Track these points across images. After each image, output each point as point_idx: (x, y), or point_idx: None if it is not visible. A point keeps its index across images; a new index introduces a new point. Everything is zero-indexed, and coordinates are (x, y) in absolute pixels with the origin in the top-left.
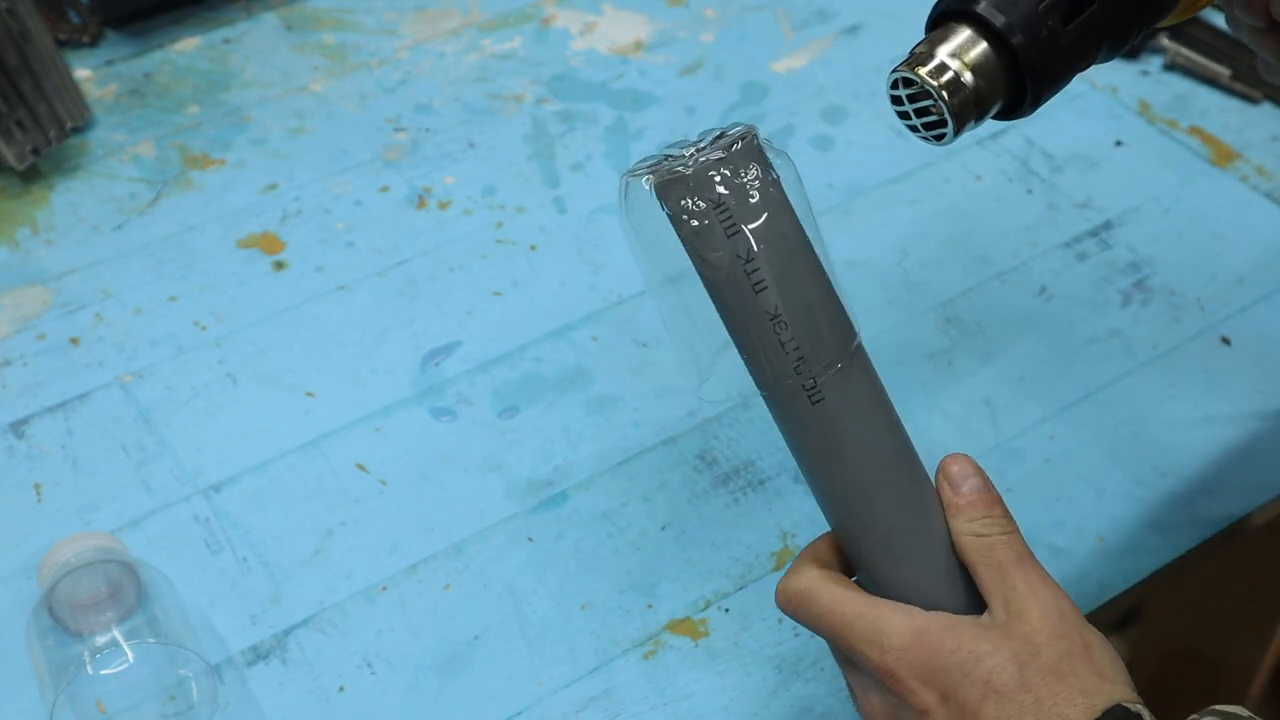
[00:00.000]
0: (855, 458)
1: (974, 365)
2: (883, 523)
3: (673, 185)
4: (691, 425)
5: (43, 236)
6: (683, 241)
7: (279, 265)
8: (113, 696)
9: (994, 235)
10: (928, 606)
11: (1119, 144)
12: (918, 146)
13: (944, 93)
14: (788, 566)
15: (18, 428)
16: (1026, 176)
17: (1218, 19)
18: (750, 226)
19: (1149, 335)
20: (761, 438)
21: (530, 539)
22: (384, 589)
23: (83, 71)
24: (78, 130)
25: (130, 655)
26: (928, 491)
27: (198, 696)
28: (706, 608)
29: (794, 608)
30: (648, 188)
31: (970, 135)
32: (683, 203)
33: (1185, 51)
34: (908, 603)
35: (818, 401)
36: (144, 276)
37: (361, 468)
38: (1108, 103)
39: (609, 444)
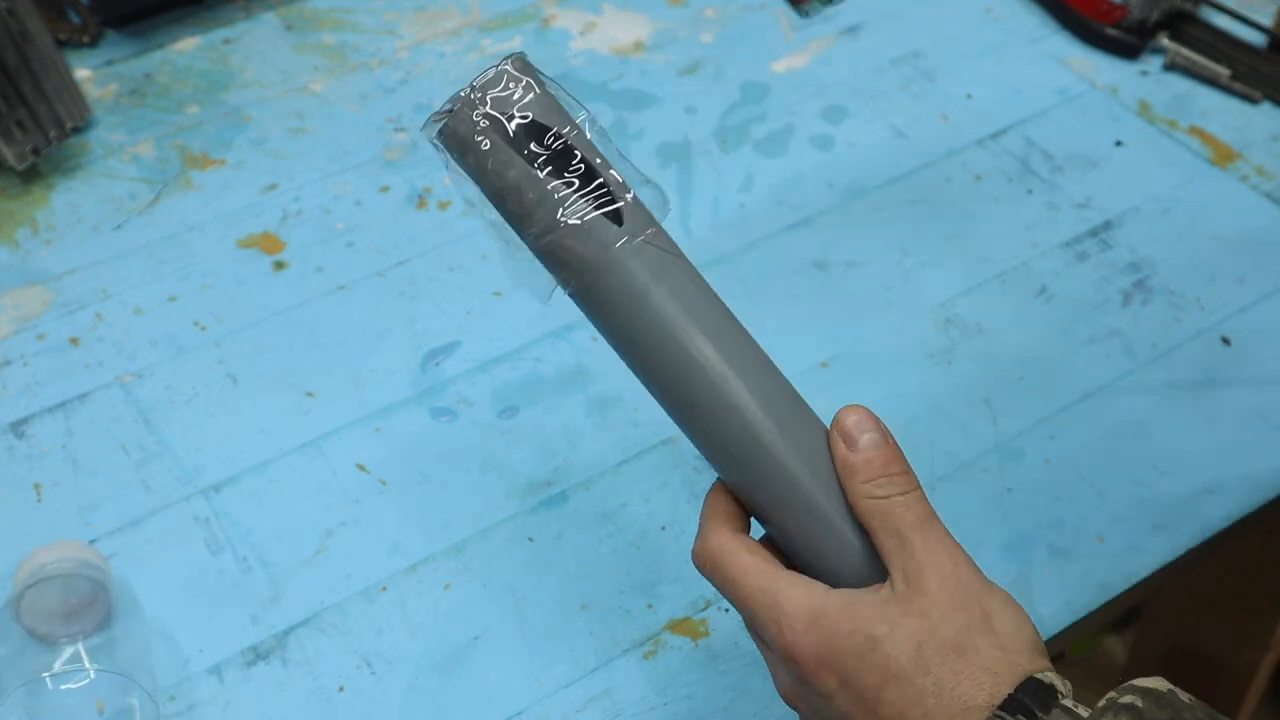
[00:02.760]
0: (685, 346)
1: (974, 365)
2: (759, 464)
3: (439, 122)
4: None
5: (43, 236)
6: (460, 161)
7: (279, 265)
8: (60, 710)
9: (994, 235)
10: (828, 572)
11: (1119, 144)
12: (918, 146)
13: None
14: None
15: (18, 428)
16: (1026, 176)
17: (1218, 19)
18: (513, 112)
19: (1149, 335)
20: None
21: (530, 539)
22: (384, 589)
23: (83, 71)
24: (78, 130)
25: (90, 672)
26: (814, 435)
27: None
28: (706, 608)
29: (708, 572)
30: (432, 138)
31: (970, 135)
32: (452, 130)
33: (1185, 51)
34: (809, 565)
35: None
36: (144, 276)
37: (361, 468)
38: (1108, 103)
39: (609, 444)
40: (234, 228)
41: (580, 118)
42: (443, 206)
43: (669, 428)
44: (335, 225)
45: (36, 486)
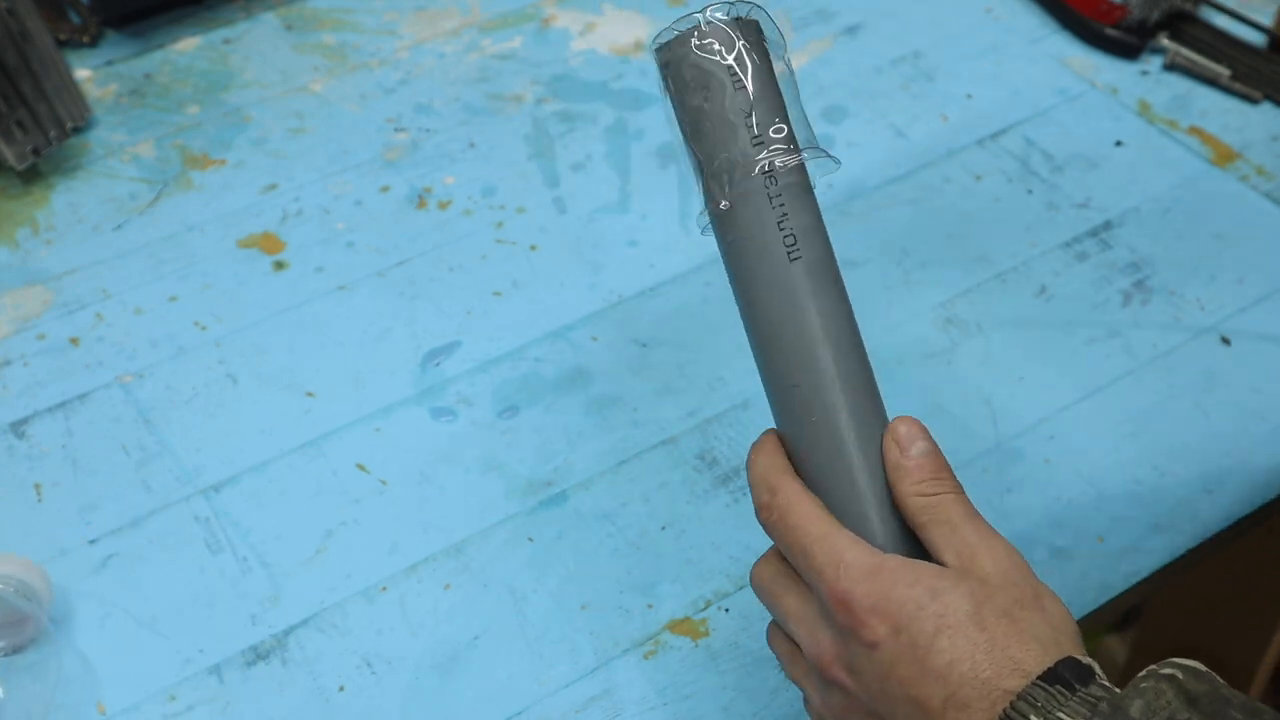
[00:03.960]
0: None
1: (974, 365)
2: (833, 427)
3: (669, 45)
4: (691, 425)
5: (43, 236)
6: (673, 77)
7: (279, 265)
8: None
9: (994, 235)
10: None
11: (1119, 144)
12: (918, 146)
13: None
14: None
15: (18, 428)
16: (1026, 176)
17: (1218, 19)
18: (730, 56)
19: (1149, 335)
20: None
21: (530, 539)
22: (384, 589)
23: (83, 71)
24: (78, 130)
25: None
26: (878, 422)
27: None
28: (706, 608)
29: (776, 517)
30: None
31: (970, 135)
32: (680, 52)
33: (1185, 51)
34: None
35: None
36: (144, 276)
37: (361, 468)
38: (1108, 103)
39: (609, 444)
40: (234, 228)
41: (783, 66)
42: (443, 206)
43: (669, 427)
44: (335, 225)
45: (36, 486)
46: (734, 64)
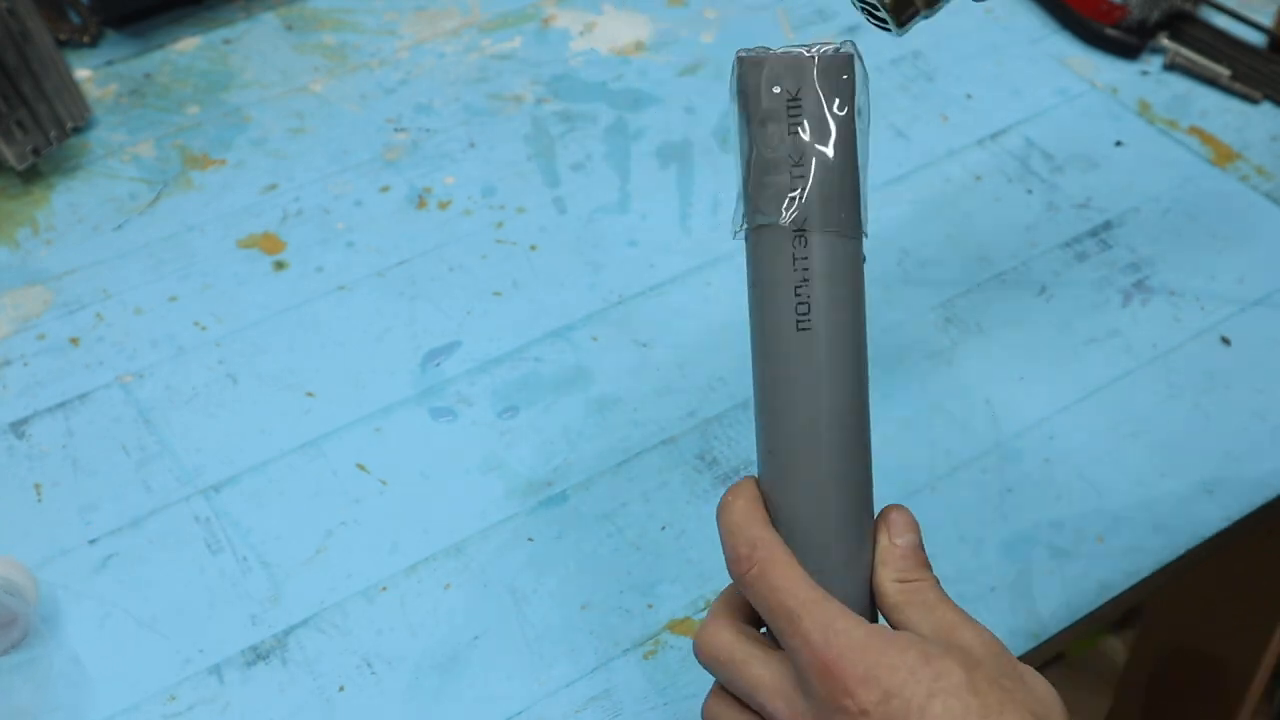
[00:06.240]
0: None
1: (974, 365)
2: (822, 499)
3: (754, 64)
4: (691, 425)
5: (43, 236)
6: (744, 93)
7: (279, 265)
8: None
9: (994, 235)
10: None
11: (1119, 144)
12: (918, 146)
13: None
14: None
15: (18, 428)
16: (1026, 176)
17: (1218, 19)
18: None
19: (1149, 335)
20: None
21: (530, 539)
22: (384, 589)
23: (83, 71)
24: (78, 130)
25: None
26: (866, 502)
27: None
28: (706, 608)
29: (757, 573)
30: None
31: (970, 135)
32: (759, 76)
33: (1185, 51)
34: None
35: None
36: (144, 276)
37: (361, 468)
38: (1108, 103)
39: (609, 444)
40: (234, 228)
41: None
42: (443, 206)
43: (669, 428)
44: (335, 225)
45: (36, 486)
46: (826, 114)
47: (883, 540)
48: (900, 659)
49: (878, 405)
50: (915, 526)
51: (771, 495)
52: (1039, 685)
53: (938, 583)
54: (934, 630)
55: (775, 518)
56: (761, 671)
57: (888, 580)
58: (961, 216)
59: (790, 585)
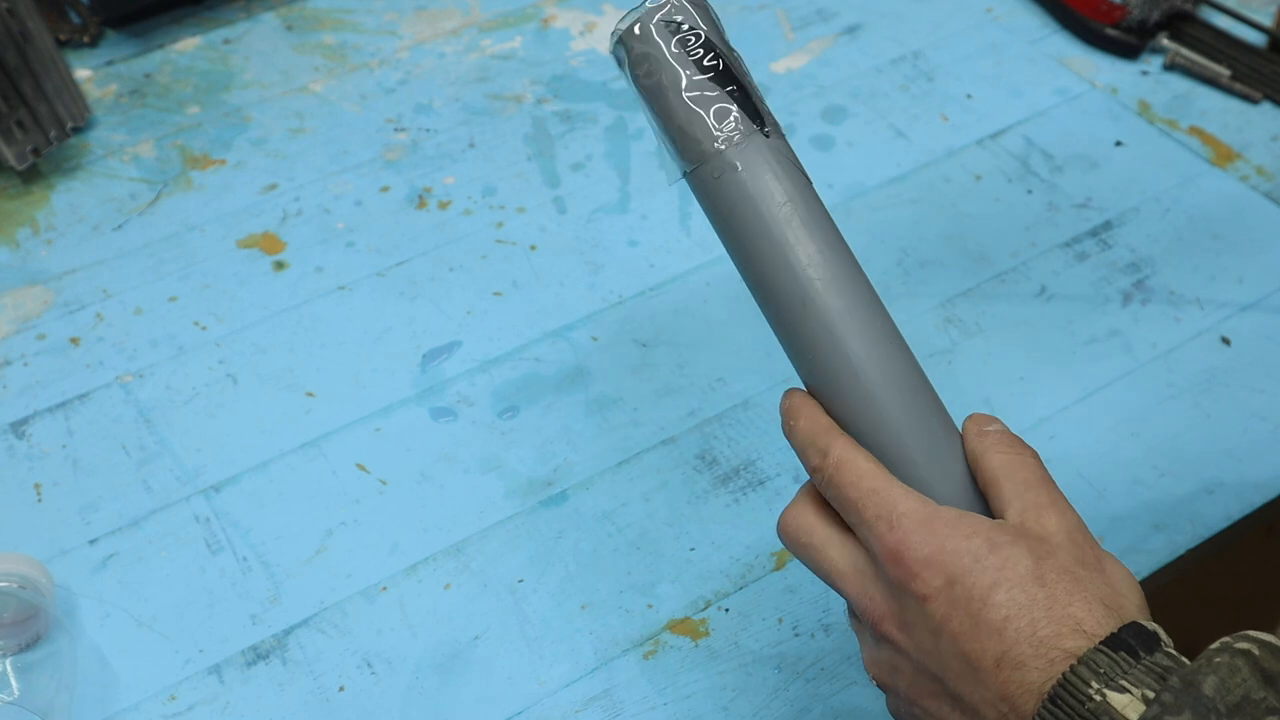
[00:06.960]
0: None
1: (974, 365)
2: (879, 397)
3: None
4: (691, 425)
5: (43, 236)
6: (631, 57)
7: (279, 265)
8: None
9: (994, 235)
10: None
11: (1119, 144)
12: (918, 146)
13: None
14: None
15: (18, 428)
16: (1026, 176)
17: (1218, 19)
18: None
19: (1149, 335)
20: (762, 437)
21: (530, 539)
22: (384, 589)
23: (83, 71)
24: (78, 130)
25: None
26: (930, 392)
27: None
28: (706, 608)
29: (832, 470)
30: (611, 49)
31: (970, 135)
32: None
33: (1185, 51)
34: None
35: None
36: (144, 276)
37: (361, 468)
38: (1108, 103)
39: (609, 444)
40: (234, 228)
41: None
42: (443, 206)
43: (669, 428)
44: (335, 225)
45: (36, 486)
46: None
47: (972, 429)
48: (965, 544)
49: None
50: (999, 420)
51: (825, 398)
52: (1117, 573)
53: (1038, 460)
54: (1021, 512)
55: (837, 418)
56: (837, 556)
57: (989, 454)
58: (961, 216)
59: (857, 479)
